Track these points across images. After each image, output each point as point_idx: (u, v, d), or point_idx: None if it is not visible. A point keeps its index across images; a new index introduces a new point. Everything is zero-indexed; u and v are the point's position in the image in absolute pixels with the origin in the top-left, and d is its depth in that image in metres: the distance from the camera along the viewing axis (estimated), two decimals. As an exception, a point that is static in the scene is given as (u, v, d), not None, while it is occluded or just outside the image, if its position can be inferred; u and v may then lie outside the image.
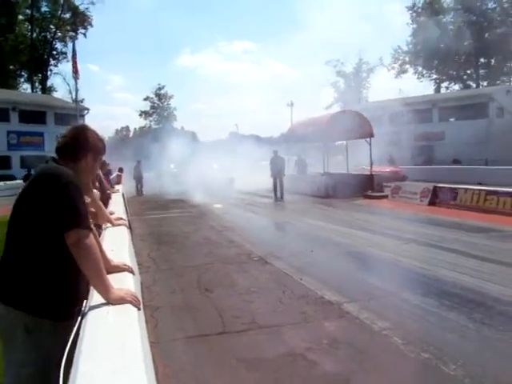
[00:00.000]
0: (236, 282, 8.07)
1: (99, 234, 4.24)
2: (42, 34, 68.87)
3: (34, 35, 66.90)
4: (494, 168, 28.63)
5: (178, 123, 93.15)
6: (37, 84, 69.37)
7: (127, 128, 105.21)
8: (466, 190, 17.19)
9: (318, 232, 13.28)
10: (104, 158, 3.59)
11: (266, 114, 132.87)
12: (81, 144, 2.85)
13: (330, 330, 5.80)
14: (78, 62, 30.44)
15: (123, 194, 12.60)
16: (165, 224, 15.55)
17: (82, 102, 56.40)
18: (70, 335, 2.18)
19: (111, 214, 5.85)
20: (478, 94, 46.94)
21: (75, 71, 30.35)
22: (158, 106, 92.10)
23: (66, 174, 2.56)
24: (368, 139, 24.65)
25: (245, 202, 22.02)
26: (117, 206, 8.24)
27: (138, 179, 29.01)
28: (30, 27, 66.23)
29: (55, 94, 67.45)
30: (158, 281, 8.20)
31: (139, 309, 2.50)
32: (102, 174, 8.60)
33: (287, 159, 25.57)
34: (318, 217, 16.20)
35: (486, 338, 5.37)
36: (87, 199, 4.16)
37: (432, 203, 18.20)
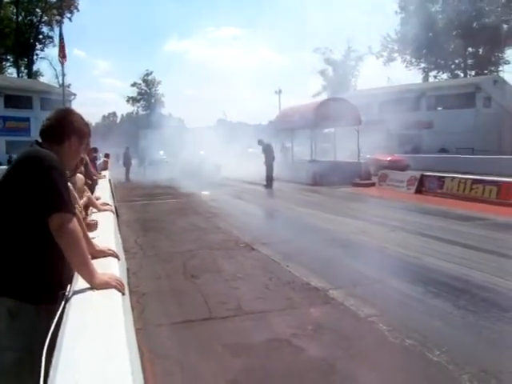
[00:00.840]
0: (222, 268, 8.07)
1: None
2: (28, 17, 67.92)
3: (20, 19, 65.94)
4: (481, 157, 28.75)
5: (165, 109, 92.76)
6: (23, 68, 68.53)
7: (114, 114, 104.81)
8: (453, 178, 17.30)
9: (305, 219, 13.31)
10: (92, 144, 3.56)
11: (254, 101, 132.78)
12: (65, 126, 2.81)
13: (316, 317, 5.82)
14: (65, 47, 29.90)
15: (110, 180, 12.53)
16: (152, 210, 15.52)
17: (68, 87, 55.93)
18: (53, 320, 2.16)
19: (97, 199, 5.81)
20: (465, 83, 47.14)
21: (62, 56, 29.87)
22: (146, 92, 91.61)
23: (50, 158, 2.52)
24: (356, 127, 24.66)
25: (232, 188, 21.98)
26: (103, 191, 8.20)
27: (127, 165, 28.87)
28: (15, 10, 65.26)
29: (41, 79, 66.70)
30: (144, 267, 8.18)
31: (123, 293, 2.48)
32: (88, 159, 8.55)
33: (274, 146, 25.58)
34: (305, 204, 16.24)
35: (470, 324, 5.41)
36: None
37: (419, 191, 18.29)
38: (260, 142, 23.58)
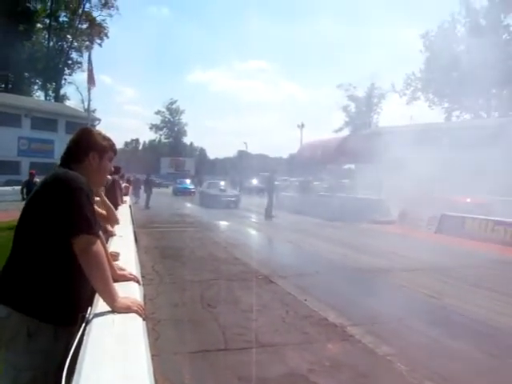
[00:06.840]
0: (239, 299, 8.01)
1: (107, 240, 4.17)
2: (59, 43, 69.52)
3: (51, 44, 67.52)
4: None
5: (187, 138, 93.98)
6: (50, 92, 69.80)
7: (137, 141, 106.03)
8: (474, 219, 17.08)
9: (323, 253, 13.22)
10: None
11: (275, 134, 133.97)
12: (82, 144, 2.81)
13: (333, 353, 5.73)
14: (93, 73, 30.21)
15: (130, 206, 12.59)
16: (170, 238, 15.53)
17: (93, 112, 56.77)
18: (70, 341, 2.14)
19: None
20: (488, 124, 46.92)
21: (91, 81, 30.16)
22: (169, 121, 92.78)
23: (76, 179, 2.52)
24: (377, 164, 24.57)
25: (250, 219, 22.03)
26: (123, 216, 8.21)
27: (148, 192, 28.95)
28: (47, 36, 66.87)
29: (68, 103, 67.85)
30: (160, 294, 8.15)
31: (144, 319, 2.46)
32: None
33: (294, 180, 25.62)
34: (323, 238, 16.12)
35: (493, 369, 5.28)
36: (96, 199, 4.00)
37: (439, 231, 18.07)
38: (269, 174, 23.75)
